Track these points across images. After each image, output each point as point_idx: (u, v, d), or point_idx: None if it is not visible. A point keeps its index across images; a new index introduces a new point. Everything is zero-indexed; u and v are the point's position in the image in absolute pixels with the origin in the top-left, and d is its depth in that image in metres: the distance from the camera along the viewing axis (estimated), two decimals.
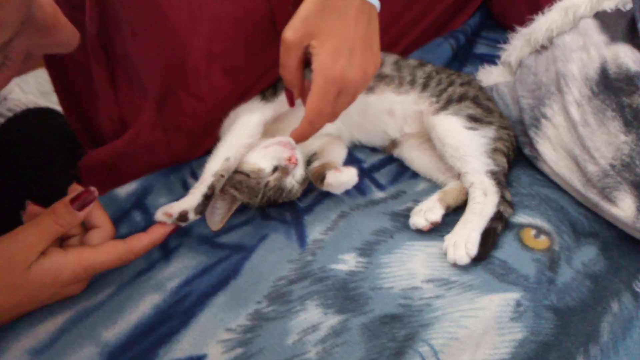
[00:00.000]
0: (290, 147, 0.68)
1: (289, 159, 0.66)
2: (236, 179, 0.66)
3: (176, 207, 0.62)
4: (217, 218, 0.67)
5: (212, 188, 0.64)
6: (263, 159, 0.67)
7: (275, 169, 0.67)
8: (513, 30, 0.86)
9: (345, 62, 0.60)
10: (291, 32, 0.60)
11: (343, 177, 0.67)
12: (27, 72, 0.43)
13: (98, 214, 0.59)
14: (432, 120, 0.72)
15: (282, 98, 0.71)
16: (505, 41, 0.87)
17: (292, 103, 0.68)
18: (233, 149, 0.67)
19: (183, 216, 0.62)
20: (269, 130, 0.72)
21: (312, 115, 0.63)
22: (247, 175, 0.66)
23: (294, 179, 0.68)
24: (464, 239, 0.62)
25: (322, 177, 0.68)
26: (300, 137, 0.66)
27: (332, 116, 0.64)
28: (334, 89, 0.61)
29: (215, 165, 0.66)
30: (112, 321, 0.57)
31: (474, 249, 0.62)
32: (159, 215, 0.62)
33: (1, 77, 0.38)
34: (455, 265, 0.62)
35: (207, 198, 0.63)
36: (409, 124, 0.76)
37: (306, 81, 0.65)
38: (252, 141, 0.68)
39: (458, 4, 1.01)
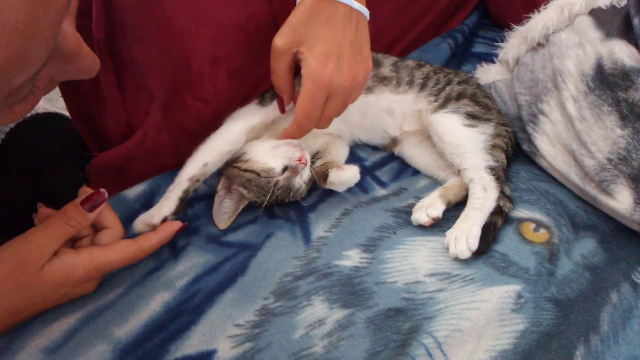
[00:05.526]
0: (301, 148, 0.69)
1: (299, 160, 0.68)
2: (246, 177, 0.68)
3: (157, 217, 0.63)
4: (224, 217, 0.68)
5: (186, 192, 0.65)
6: (273, 159, 0.68)
7: (285, 168, 0.68)
8: (510, 28, 0.87)
9: (334, 66, 0.62)
10: (280, 38, 0.63)
11: (345, 175, 0.68)
12: (47, 93, 0.45)
13: (108, 215, 0.61)
14: (431, 118, 0.74)
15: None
16: (503, 40, 0.89)
17: (282, 109, 0.70)
18: (212, 155, 0.68)
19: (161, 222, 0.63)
20: (272, 130, 0.74)
21: (301, 118, 0.65)
22: (258, 174, 0.67)
23: (302, 179, 0.69)
24: (465, 234, 0.64)
25: (325, 176, 0.70)
26: (288, 136, 0.68)
27: (322, 121, 0.66)
28: (322, 92, 0.62)
29: (192, 169, 0.67)
30: (123, 319, 0.59)
31: (475, 243, 0.63)
32: (139, 226, 0.63)
33: (29, 104, 0.40)
34: (456, 259, 0.63)
35: (182, 201, 0.65)
36: (408, 123, 0.78)
37: (297, 91, 0.67)
38: (233, 148, 0.69)
39: (456, 4, 1.02)
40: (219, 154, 0.68)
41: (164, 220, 0.64)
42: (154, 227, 0.63)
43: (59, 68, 0.40)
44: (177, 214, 0.65)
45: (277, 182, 0.67)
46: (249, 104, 0.75)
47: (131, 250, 0.59)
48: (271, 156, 0.68)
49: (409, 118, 0.78)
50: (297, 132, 0.67)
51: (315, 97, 0.63)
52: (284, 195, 0.68)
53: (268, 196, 0.67)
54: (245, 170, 0.68)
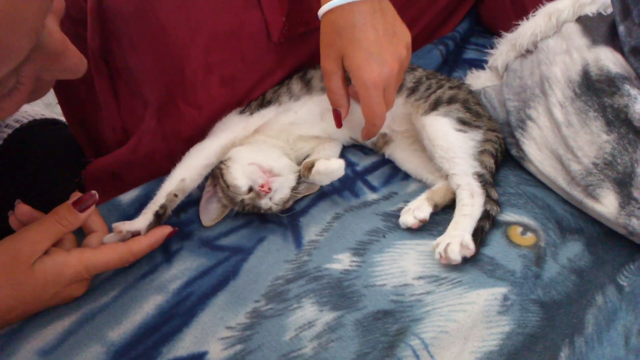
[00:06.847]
0: (270, 174, 0.69)
1: (262, 186, 0.68)
2: (221, 184, 0.69)
3: (128, 226, 0.63)
4: (210, 216, 0.70)
5: (164, 207, 0.66)
6: (242, 176, 0.69)
7: (251, 189, 0.69)
8: (500, 35, 0.89)
9: (377, 65, 0.63)
10: (326, 61, 0.66)
11: (333, 165, 0.68)
12: (40, 98, 0.46)
13: (95, 219, 0.63)
14: (422, 120, 0.74)
15: (263, 112, 0.75)
16: (493, 46, 0.90)
17: (339, 124, 0.72)
18: (190, 170, 0.69)
19: (134, 234, 0.64)
20: (260, 135, 0.75)
21: (371, 118, 0.68)
22: (227, 186, 0.69)
23: (272, 201, 0.69)
24: (459, 241, 0.63)
25: (310, 167, 0.70)
26: (369, 136, 0.73)
27: (388, 106, 0.69)
28: (377, 92, 0.65)
29: (170, 186, 0.68)
30: (117, 322, 0.60)
31: (471, 246, 0.63)
32: (108, 236, 0.63)
33: (14, 100, 0.41)
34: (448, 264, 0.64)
35: (159, 217, 0.66)
36: (397, 123, 0.79)
37: (350, 87, 0.69)
38: (209, 163, 0.71)
39: (447, 11, 1.03)
40: (195, 169, 0.70)
41: (135, 234, 0.63)
42: (120, 233, 0.63)
43: (44, 65, 0.41)
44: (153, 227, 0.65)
45: (243, 199, 0.68)
46: (229, 114, 0.75)
47: (121, 253, 0.60)
48: (241, 172, 0.69)
49: (397, 119, 0.79)
50: (373, 130, 0.71)
51: (373, 98, 0.66)
52: (254, 210, 0.69)
53: (237, 208, 0.68)
54: (221, 177, 0.69)
